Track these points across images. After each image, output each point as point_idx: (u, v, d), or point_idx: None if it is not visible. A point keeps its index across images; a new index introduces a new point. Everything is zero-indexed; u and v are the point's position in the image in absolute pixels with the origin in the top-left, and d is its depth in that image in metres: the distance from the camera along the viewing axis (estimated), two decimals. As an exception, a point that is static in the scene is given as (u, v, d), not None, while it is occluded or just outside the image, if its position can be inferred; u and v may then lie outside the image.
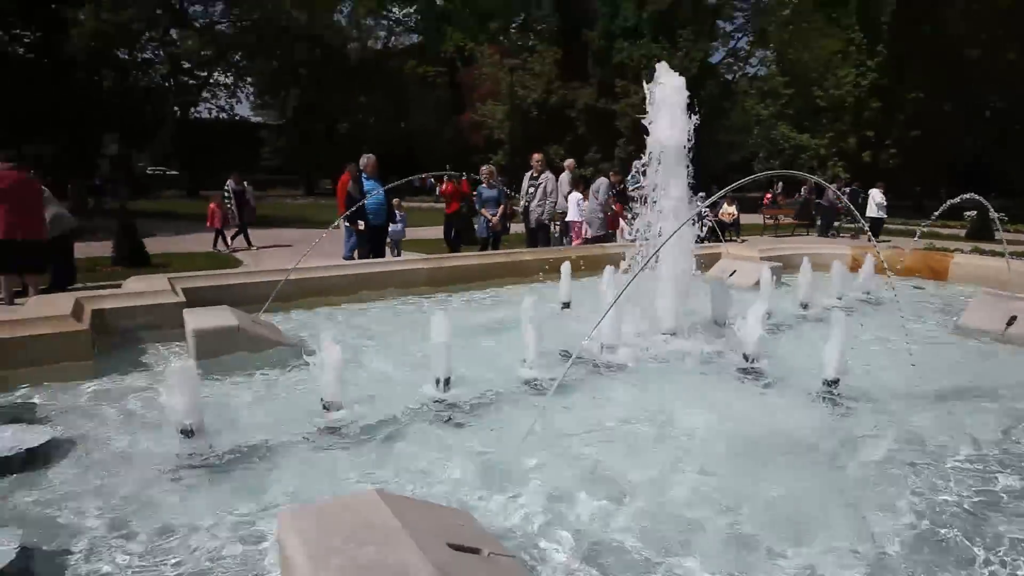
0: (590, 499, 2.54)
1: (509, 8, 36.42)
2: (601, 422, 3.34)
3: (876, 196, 16.60)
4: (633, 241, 5.27)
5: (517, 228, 12.26)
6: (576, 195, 11.26)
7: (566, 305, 5.71)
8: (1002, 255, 7.52)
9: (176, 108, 35.66)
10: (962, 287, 7.22)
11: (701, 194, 5.06)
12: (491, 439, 3.11)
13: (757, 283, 6.12)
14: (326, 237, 7.79)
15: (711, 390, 3.87)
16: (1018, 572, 2.16)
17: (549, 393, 3.29)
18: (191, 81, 35.96)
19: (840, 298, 6.28)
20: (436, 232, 13.04)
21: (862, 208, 16.40)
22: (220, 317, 4.25)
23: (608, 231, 10.44)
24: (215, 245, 13.60)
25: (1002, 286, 6.40)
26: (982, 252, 11.79)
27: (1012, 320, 5.11)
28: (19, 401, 3.48)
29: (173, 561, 2.17)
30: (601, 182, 10.46)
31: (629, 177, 12.98)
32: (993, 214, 8.23)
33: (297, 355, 4.29)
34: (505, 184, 11.19)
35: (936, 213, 6.87)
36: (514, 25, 38.40)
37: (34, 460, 2.78)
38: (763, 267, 6.23)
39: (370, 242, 8.91)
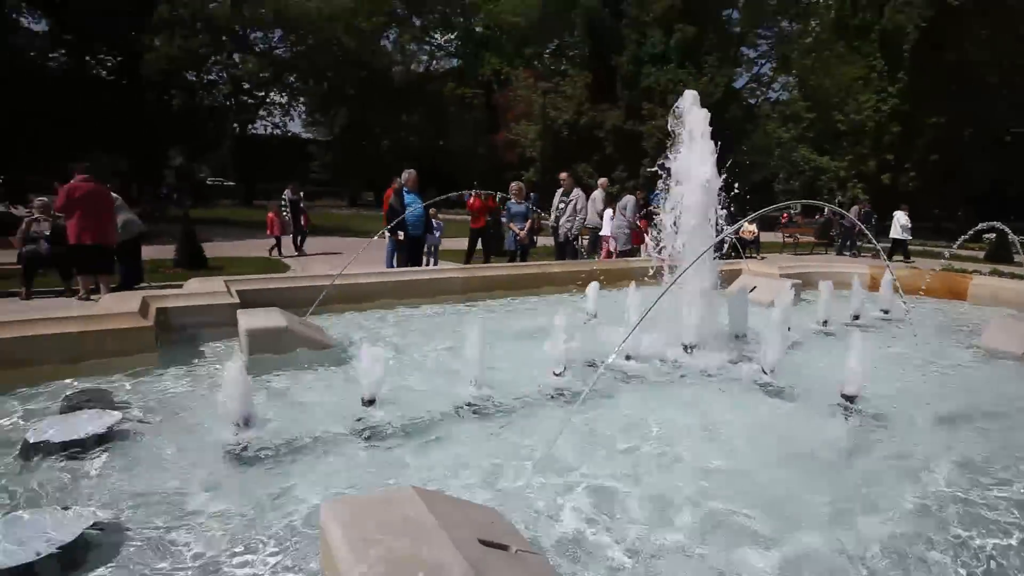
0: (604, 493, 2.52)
1: (543, 35, 36.62)
2: (619, 429, 3.30)
3: (901, 218, 16.13)
4: (659, 254, 5.22)
5: (543, 242, 12.25)
6: (610, 211, 11.22)
7: (592, 316, 5.67)
8: (1021, 277, 7.23)
9: (235, 125, 36.74)
10: (980, 308, 6.97)
11: (724, 212, 4.99)
12: (520, 440, 3.10)
13: (776, 299, 5.99)
14: (370, 245, 7.90)
15: (730, 400, 3.79)
16: None
17: (578, 402, 3.26)
18: (250, 101, 37.05)
19: (858, 316, 6.10)
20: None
21: (874, 230, 16.02)
22: (270, 318, 4.33)
23: (633, 246, 10.36)
24: (272, 252, 13.85)
25: (1021, 307, 6.15)
26: (1001, 274, 11.33)
27: (1032, 342, 4.90)
28: (93, 388, 3.58)
29: (224, 538, 2.21)
30: (628, 199, 10.41)
31: (653, 195, 12.89)
32: (1013, 237, 7.93)
33: (339, 355, 4.34)
34: (536, 200, 11.21)
35: (963, 238, 6.67)
36: (547, 51, 38.57)
37: (105, 442, 2.87)
38: (783, 284, 6.10)
39: (409, 251, 9.00)
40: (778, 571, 2.12)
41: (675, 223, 4.82)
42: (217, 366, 4.03)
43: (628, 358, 4.24)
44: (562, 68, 35.54)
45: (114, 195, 8.69)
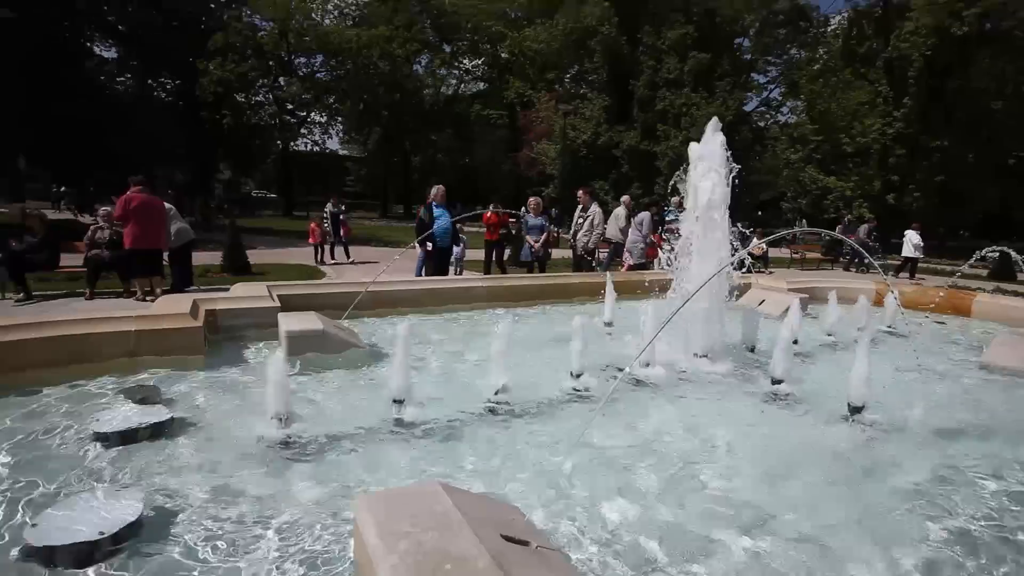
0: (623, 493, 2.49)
1: (564, 61, 36.81)
2: (637, 431, 3.27)
3: (914, 237, 15.75)
4: (669, 267, 5.18)
5: (558, 254, 12.20)
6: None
7: (609, 324, 5.64)
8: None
9: (279, 142, 37.50)
10: (983, 324, 6.76)
11: (736, 228, 4.93)
12: (541, 441, 3.09)
13: (784, 312, 5.89)
14: (402, 256, 7.97)
15: (739, 408, 3.73)
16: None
17: (599, 407, 3.23)
18: (292, 120, 37.79)
19: (862, 330, 5.96)
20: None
21: (879, 247, 15.71)
22: (308, 321, 4.37)
23: (647, 259, 10.28)
24: (316, 259, 14.01)
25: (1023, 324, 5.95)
26: (1004, 292, 11.00)
27: (1036, 359, 4.73)
28: (146, 384, 3.65)
29: (263, 525, 2.24)
30: (643, 215, 10.33)
31: (668, 212, 12.79)
32: (1016, 257, 7.71)
33: (371, 357, 4.38)
34: (558, 215, 11.23)
35: (975, 257, 6.51)
36: (568, 75, 38.72)
37: (156, 435, 2.93)
38: (792, 298, 5.99)
39: (437, 260, 9.05)
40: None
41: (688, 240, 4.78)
42: (259, 365, 4.10)
43: (645, 365, 4.19)
44: (581, 91, 35.61)
45: (168, 205, 8.92)
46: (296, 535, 2.19)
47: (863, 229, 18.11)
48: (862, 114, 27.77)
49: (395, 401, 3.28)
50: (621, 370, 3.98)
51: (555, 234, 11.49)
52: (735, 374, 4.39)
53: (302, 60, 37.12)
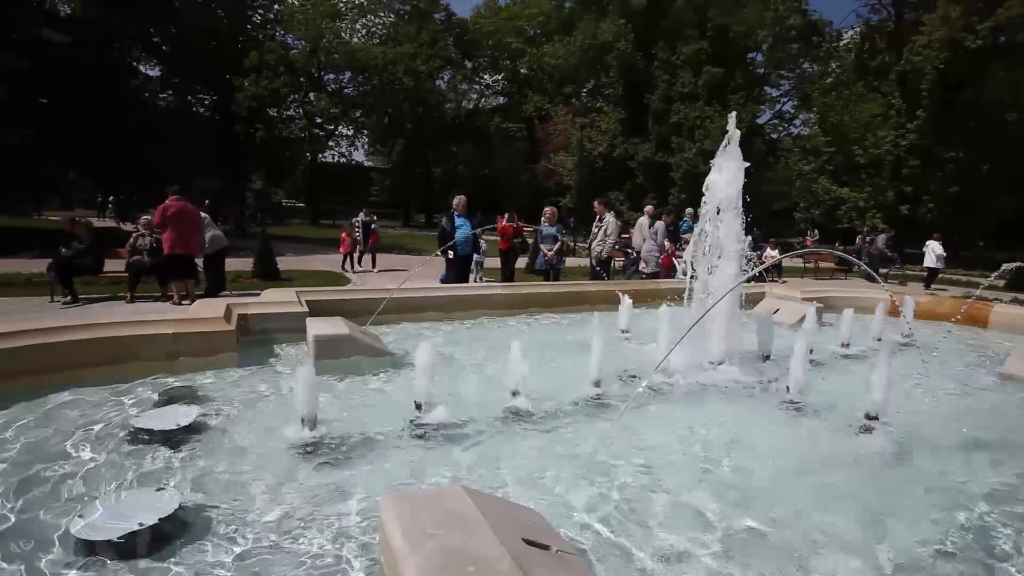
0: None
1: (581, 75, 36.89)
2: (652, 437, 3.22)
3: (937, 248, 15.30)
4: (684, 275, 5.11)
5: (574, 263, 12.13)
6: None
7: (625, 331, 5.58)
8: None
9: (308, 154, 38.13)
10: (1001, 335, 6.55)
11: (749, 238, 4.85)
12: (563, 444, 3.06)
13: (799, 321, 5.77)
14: (427, 263, 8.00)
15: (753, 415, 3.66)
16: None
17: (620, 413, 3.19)
18: (321, 133, 38.39)
19: (879, 340, 5.81)
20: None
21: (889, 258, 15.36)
22: (335, 326, 4.40)
23: (662, 267, 10.18)
24: (343, 266, 14.02)
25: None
26: (1022, 302, 10.64)
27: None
28: (181, 384, 3.71)
29: (291, 521, 2.25)
30: (658, 224, 10.25)
31: (681, 222, 12.67)
32: (1040, 268, 7.48)
33: (395, 362, 4.39)
34: (575, 225, 11.18)
35: (995, 273, 6.34)
36: (585, 90, 38.77)
37: (192, 432, 2.97)
38: (807, 307, 5.87)
39: (458, 268, 9.07)
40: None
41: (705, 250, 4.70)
42: (288, 367, 4.14)
43: (659, 372, 4.14)
44: (598, 105, 35.62)
45: (203, 214, 9.10)
46: (321, 532, 2.19)
47: (881, 239, 17.71)
48: (875, 126, 27.27)
49: (417, 405, 3.29)
50: (634, 377, 3.94)
51: (570, 244, 11.41)
52: (750, 382, 4.30)
53: (331, 76, 37.79)
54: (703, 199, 4.65)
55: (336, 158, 41.69)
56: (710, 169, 4.68)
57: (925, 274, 15.76)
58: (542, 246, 10.74)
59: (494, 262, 14.27)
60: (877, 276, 7.36)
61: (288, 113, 35.87)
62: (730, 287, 4.24)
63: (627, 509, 2.43)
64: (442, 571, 1.45)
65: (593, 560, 2.09)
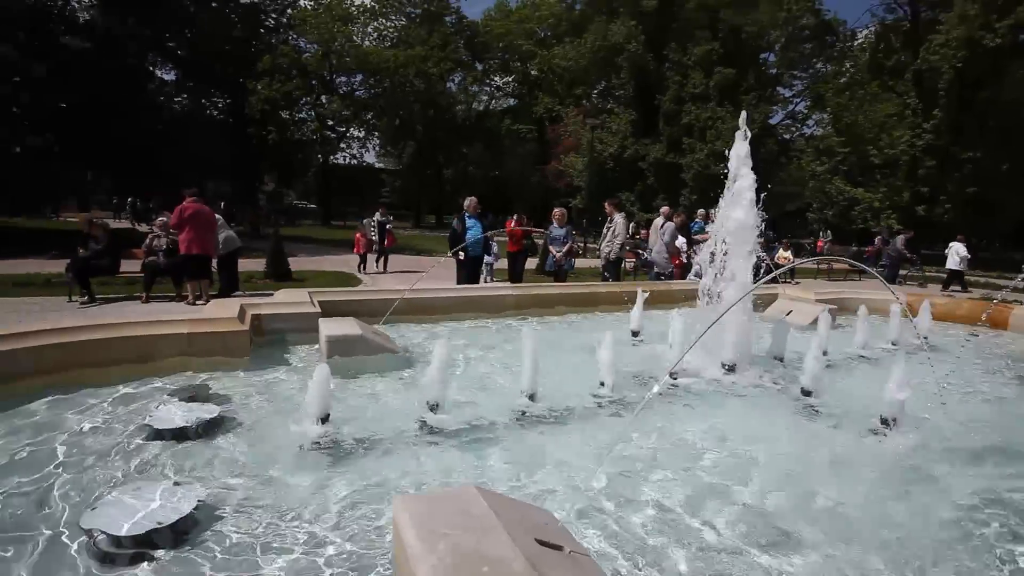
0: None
1: (591, 77, 36.83)
2: (666, 439, 3.20)
3: (961, 250, 15.07)
4: (696, 278, 5.08)
5: (584, 264, 12.08)
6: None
7: (636, 334, 5.55)
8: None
9: (320, 156, 38.43)
10: (1022, 336, 6.42)
11: (760, 240, 4.80)
12: (575, 447, 3.04)
13: (812, 323, 5.70)
14: (439, 264, 8.01)
15: (768, 416, 3.62)
16: None
17: (634, 414, 3.17)
18: (332, 135, 38.72)
19: (895, 343, 5.73)
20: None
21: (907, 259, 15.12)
22: (347, 326, 4.41)
23: (672, 268, 10.12)
24: (359, 268, 13.85)
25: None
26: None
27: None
28: (196, 383, 3.75)
29: (306, 520, 2.26)
30: (669, 225, 10.19)
31: (693, 223, 12.58)
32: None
33: (405, 362, 4.40)
34: (584, 223, 11.14)
35: (1021, 276, 6.25)
36: (595, 91, 38.70)
37: (206, 431, 2.99)
38: (821, 308, 5.80)
39: (468, 269, 9.08)
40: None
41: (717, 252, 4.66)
42: (301, 366, 4.16)
43: (672, 375, 4.11)
44: (608, 106, 35.54)
45: (217, 216, 9.20)
46: (336, 532, 2.20)
47: (899, 240, 17.48)
48: (890, 126, 26.91)
49: (428, 405, 3.29)
50: (649, 379, 3.91)
51: (580, 245, 11.37)
52: (763, 384, 4.25)
53: (343, 79, 38.08)
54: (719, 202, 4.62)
55: (347, 160, 42.03)
56: (722, 171, 4.64)
57: (945, 276, 15.51)
58: (552, 248, 10.72)
59: (505, 263, 14.27)
60: (891, 285, 7.24)
61: (300, 116, 36.25)
62: (737, 287, 4.19)
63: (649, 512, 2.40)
64: (456, 571, 1.45)
65: (620, 558, 2.08)
